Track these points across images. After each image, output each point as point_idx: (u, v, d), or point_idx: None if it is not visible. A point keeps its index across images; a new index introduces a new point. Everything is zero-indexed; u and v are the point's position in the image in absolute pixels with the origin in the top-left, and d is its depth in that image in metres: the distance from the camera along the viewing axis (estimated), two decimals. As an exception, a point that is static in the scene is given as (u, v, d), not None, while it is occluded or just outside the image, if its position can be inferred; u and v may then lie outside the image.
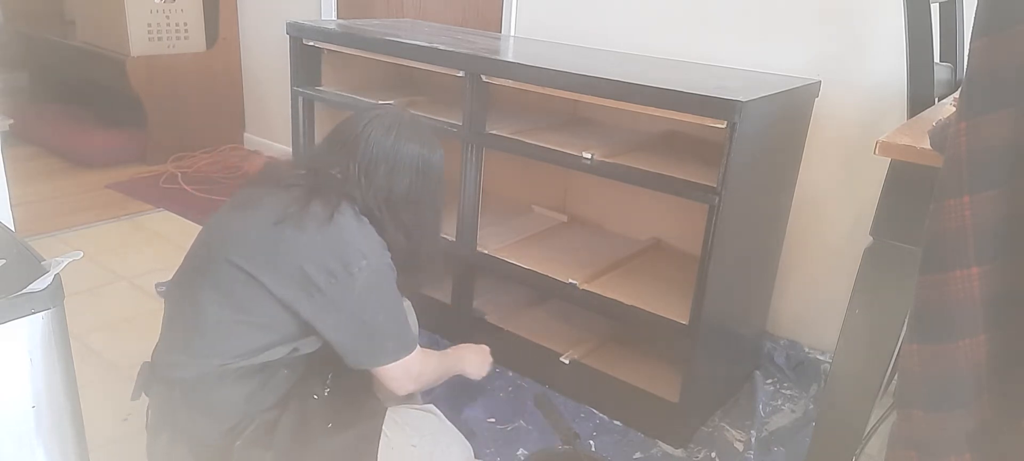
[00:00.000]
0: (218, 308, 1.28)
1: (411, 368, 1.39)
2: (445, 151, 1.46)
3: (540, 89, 1.89)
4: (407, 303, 1.69)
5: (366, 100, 2.28)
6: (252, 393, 1.31)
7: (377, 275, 1.30)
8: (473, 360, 1.64)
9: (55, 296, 1.20)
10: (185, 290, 1.34)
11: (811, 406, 2.06)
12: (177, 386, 1.31)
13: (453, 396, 1.96)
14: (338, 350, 1.32)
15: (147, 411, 1.39)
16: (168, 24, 3.53)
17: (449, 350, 1.66)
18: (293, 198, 1.29)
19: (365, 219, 1.33)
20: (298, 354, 1.33)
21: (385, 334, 1.34)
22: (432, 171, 1.41)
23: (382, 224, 1.35)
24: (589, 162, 1.87)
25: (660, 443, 1.88)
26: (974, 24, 0.82)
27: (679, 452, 1.86)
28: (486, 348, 1.69)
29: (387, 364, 1.35)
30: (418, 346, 1.41)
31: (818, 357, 2.20)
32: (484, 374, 1.65)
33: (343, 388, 1.41)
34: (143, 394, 1.38)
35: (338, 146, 1.37)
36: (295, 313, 1.27)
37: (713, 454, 1.85)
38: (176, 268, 1.40)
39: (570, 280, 1.97)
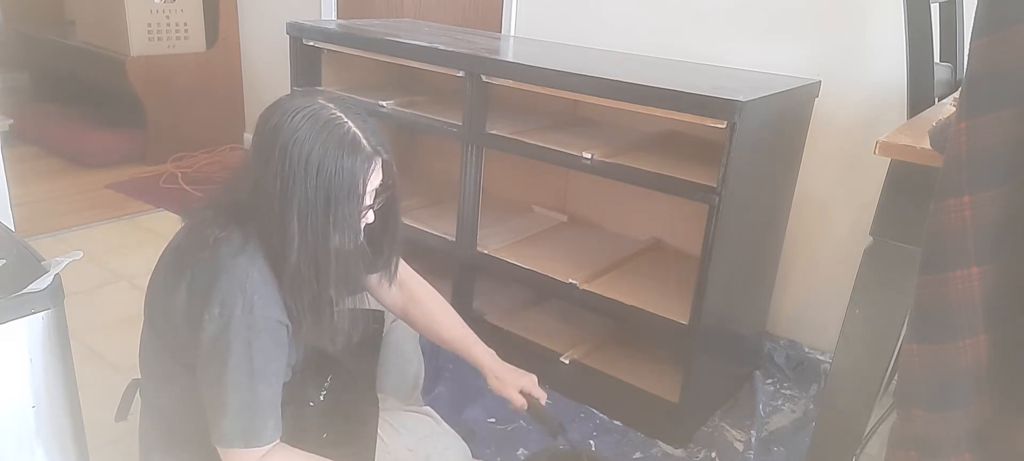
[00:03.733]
0: (157, 339, 1.22)
1: None
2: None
3: (540, 89, 1.89)
4: (413, 338, 1.61)
5: (366, 100, 2.28)
6: None
7: (228, 331, 1.06)
8: None
9: (55, 296, 1.20)
10: (144, 312, 1.26)
11: (811, 406, 2.06)
12: (156, 411, 1.28)
13: (453, 396, 1.96)
14: None
15: (139, 429, 1.35)
16: (168, 24, 3.53)
17: None
18: (183, 242, 1.17)
19: (252, 254, 1.10)
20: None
21: (222, 406, 1.08)
22: (329, 180, 1.08)
23: (284, 251, 1.10)
24: (589, 162, 1.87)
25: (660, 443, 1.87)
26: (974, 24, 0.82)
27: (679, 452, 1.85)
28: None
29: (222, 447, 1.11)
30: (279, 444, 1.14)
31: (818, 357, 2.20)
32: None
33: (341, 393, 1.38)
34: (127, 415, 1.33)
35: (253, 158, 1.13)
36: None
37: (713, 454, 1.85)
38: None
39: (570, 280, 1.97)
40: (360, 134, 1.11)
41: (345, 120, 1.11)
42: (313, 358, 1.34)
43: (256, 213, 1.11)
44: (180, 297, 1.13)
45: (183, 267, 1.14)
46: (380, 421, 1.36)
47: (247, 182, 1.12)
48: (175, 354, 1.18)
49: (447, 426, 1.46)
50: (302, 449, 1.24)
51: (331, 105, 1.12)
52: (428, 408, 1.50)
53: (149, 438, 1.31)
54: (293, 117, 1.08)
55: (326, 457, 1.25)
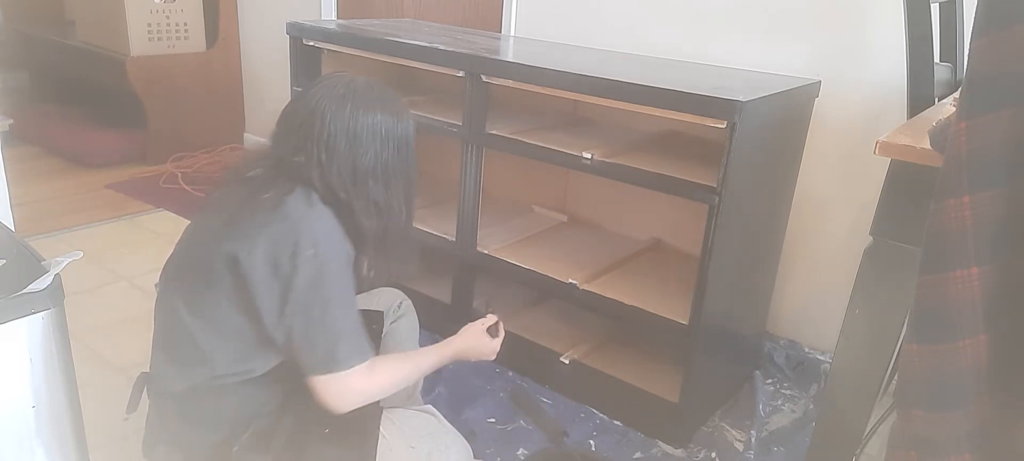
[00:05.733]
0: (191, 319, 1.24)
1: (368, 378, 1.24)
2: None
3: (540, 89, 1.89)
4: (407, 302, 1.68)
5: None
6: (244, 403, 1.27)
7: (325, 268, 1.18)
8: (471, 347, 1.47)
9: (55, 296, 1.20)
10: (164, 301, 1.30)
11: (811, 406, 2.06)
12: (169, 400, 1.29)
13: (453, 396, 1.96)
14: (296, 360, 1.23)
15: (146, 424, 1.36)
16: (168, 24, 3.53)
17: (431, 348, 1.44)
18: (246, 193, 1.23)
19: (320, 204, 1.22)
20: (286, 367, 1.27)
21: (336, 335, 1.20)
22: (397, 139, 1.28)
23: (349, 206, 1.24)
24: (589, 162, 1.87)
25: (660, 443, 1.87)
26: (974, 24, 0.82)
27: (679, 452, 1.86)
28: (479, 329, 1.49)
29: (341, 371, 1.21)
30: (374, 355, 1.27)
31: (818, 357, 2.21)
32: (493, 352, 1.49)
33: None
34: (137, 408, 1.35)
35: (295, 129, 1.24)
36: (254, 318, 1.20)
37: (713, 454, 1.85)
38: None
39: (570, 280, 1.97)
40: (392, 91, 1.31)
41: (379, 84, 1.29)
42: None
43: (321, 179, 1.23)
44: (257, 257, 1.17)
45: (255, 230, 1.18)
46: (382, 418, 1.36)
47: (333, 167, 1.22)
48: (221, 329, 1.23)
49: (449, 425, 1.46)
50: (305, 444, 1.27)
51: (358, 78, 1.28)
52: (430, 407, 1.50)
53: (156, 428, 1.33)
54: (362, 98, 1.25)
55: (328, 455, 1.26)
